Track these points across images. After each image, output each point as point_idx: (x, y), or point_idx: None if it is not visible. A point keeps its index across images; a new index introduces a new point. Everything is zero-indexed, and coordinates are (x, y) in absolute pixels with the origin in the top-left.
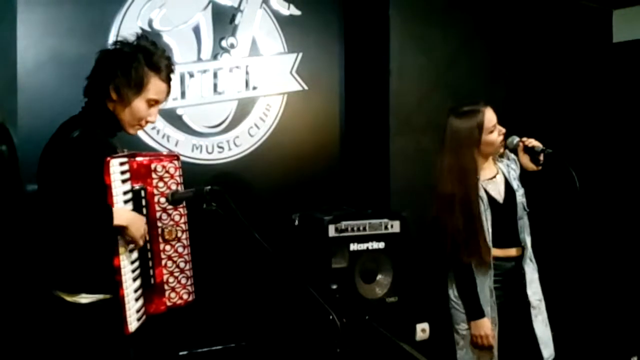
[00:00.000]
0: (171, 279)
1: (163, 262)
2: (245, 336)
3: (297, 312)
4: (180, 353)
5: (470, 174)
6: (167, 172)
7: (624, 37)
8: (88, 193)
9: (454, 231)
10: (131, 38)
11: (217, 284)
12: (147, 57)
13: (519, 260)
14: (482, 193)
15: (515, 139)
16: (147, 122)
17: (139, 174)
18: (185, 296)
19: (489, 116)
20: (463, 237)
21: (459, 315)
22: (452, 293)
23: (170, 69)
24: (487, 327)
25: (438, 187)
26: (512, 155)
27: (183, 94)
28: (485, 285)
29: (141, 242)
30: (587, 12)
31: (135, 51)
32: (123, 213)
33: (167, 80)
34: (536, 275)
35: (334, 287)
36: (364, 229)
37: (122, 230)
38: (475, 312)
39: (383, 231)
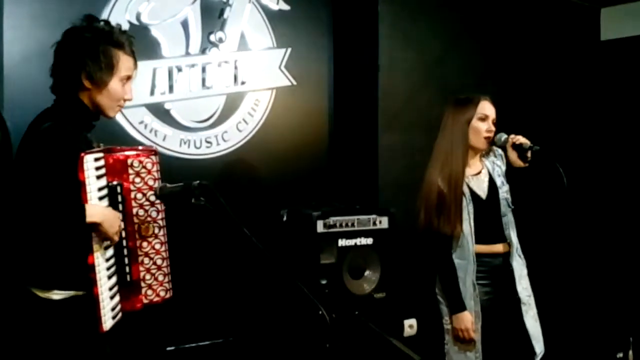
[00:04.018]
0: (148, 276)
1: (139, 259)
2: (233, 331)
3: (286, 307)
4: (168, 349)
5: (457, 155)
6: (144, 167)
7: (611, 35)
8: (60, 188)
9: (428, 200)
10: (79, 23)
11: (205, 279)
12: (107, 37)
13: (506, 256)
14: (464, 189)
15: (504, 136)
16: (125, 100)
17: (115, 170)
18: (162, 293)
19: (485, 105)
20: (434, 206)
21: (443, 309)
22: (438, 288)
23: (131, 42)
24: (467, 320)
25: (427, 168)
26: (499, 151)
27: (171, 89)
28: (468, 279)
29: (116, 238)
30: (575, 10)
31: (95, 35)
32: (96, 209)
33: (132, 54)
34: (525, 271)
35: (324, 282)
36: (353, 225)
37: (96, 227)
38: (456, 305)
39: (371, 227)
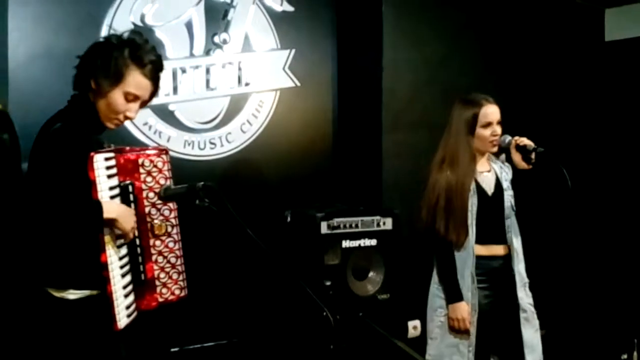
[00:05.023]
0: (162, 275)
1: (153, 257)
2: (237, 333)
3: (290, 308)
4: (172, 349)
5: (463, 161)
6: (155, 166)
7: (616, 36)
8: (73, 187)
9: (432, 201)
10: (125, 32)
11: (210, 280)
12: (132, 49)
13: (507, 260)
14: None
15: (508, 138)
16: (126, 117)
17: (126, 169)
18: (177, 292)
19: (487, 111)
20: (440, 208)
21: (438, 301)
22: (435, 278)
23: (157, 67)
24: (464, 310)
25: (431, 166)
26: (507, 164)
27: (175, 90)
28: (467, 271)
29: (131, 235)
30: (579, 11)
31: (122, 43)
32: (112, 206)
33: (152, 78)
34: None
35: (328, 283)
36: (356, 226)
37: (112, 223)
38: (453, 295)
39: (375, 228)
